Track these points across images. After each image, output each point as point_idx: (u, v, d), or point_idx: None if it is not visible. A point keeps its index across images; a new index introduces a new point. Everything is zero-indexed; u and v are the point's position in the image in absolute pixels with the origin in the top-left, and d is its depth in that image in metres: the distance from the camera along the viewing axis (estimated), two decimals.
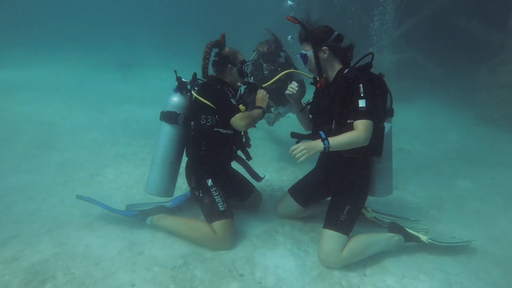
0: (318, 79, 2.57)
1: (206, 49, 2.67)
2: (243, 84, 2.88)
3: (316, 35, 2.43)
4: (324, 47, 2.42)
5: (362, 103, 2.25)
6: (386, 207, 3.44)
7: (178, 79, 2.78)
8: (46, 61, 12.19)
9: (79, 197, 2.91)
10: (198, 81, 2.78)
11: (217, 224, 2.56)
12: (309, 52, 2.48)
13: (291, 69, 4.17)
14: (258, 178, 2.93)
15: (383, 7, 7.96)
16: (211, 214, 2.62)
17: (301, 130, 2.86)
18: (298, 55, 2.59)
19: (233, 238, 2.67)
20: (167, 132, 2.77)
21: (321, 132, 2.31)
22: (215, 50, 2.77)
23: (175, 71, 2.82)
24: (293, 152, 2.25)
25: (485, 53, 7.21)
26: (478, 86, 7.09)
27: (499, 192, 4.12)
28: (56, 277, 2.23)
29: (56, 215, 2.98)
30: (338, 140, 2.25)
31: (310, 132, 2.70)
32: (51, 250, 2.49)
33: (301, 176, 4.10)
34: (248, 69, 2.85)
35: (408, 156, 5.28)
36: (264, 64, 4.12)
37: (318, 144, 2.25)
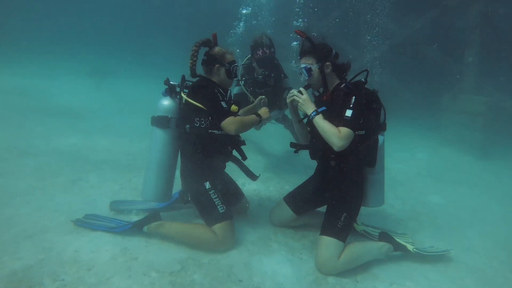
0: (320, 92, 2.70)
1: (194, 47, 2.65)
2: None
3: (321, 50, 2.57)
4: (327, 62, 2.56)
5: (348, 112, 2.40)
6: (368, 218, 3.59)
7: (167, 82, 2.75)
8: (8, 64, 11.53)
9: (74, 221, 2.80)
10: (187, 82, 2.76)
11: (218, 227, 2.56)
12: (314, 66, 2.59)
13: (281, 75, 4.28)
14: (253, 176, 2.96)
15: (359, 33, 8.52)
16: (211, 217, 2.61)
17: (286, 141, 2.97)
18: (301, 68, 2.64)
19: (234, 239, 2.69)
20: (160, 137, 2.74)
21: (324, 108, 2.51)
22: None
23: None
24: (295, 94, 2.56)
25: (447, 81, 7.86)
26: (441, 110, 7.67)
27: (464, 207, 4.44)
28: (43, 284, 2.11)
29: (36, 220, 2.82)
30: (322, 123, 2.44)
31: (308, 143, 2.81)
32: (35, 256, 2.35)
33: (286, 187, 4.23)
34: (237, 70, 2.82)
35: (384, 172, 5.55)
36: (259, 69, 4.11)
37: (309, 109, 2.51)
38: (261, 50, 3.98)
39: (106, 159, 4.38)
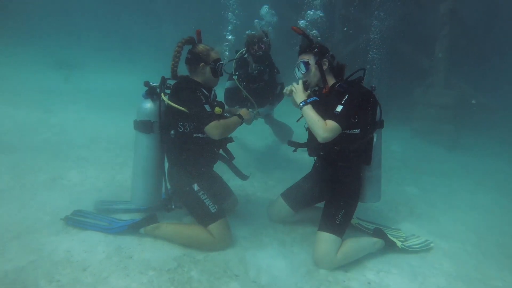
0: (321, 86, 2.71)
1: (177, 47, 2.57)
2: None
3: (319, 46, 2.62)
4: (324, 59, 2.62)
5: (338, 108, 2.46)
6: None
7: (147, 83, 2.65)
8: None
9: (64, 219, 2.71)
10: (168, 83, 2.68)
11: (213, 227, 2.57)
12: (312, 61, 2.63)
13: (274, 70, 4.27)
14: (243, 177, 2.98)
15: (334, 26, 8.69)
16: (205, 218, 2.61)
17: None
18: (300, 62, 2.67)
19: (231, 236, 2.70)
20: (144, 142, 2.67)
21: (314, 98, 2.58)
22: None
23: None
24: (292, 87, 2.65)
25: (419, 75, 8.19)
26: (413, 104, 8.00)
27: (438, 196, 4.71)
28: (39, 285, 2.07)
29: (20, 220, 2.72)
30: (311, 113, 2.50)
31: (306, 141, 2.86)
32: (25, 257, 2.29)
33: (270, 182, 4.29)
34: (222, 68, 2.78)
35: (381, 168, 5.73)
36: (254, 64, 4.06)
37: (299, 98, 2.58)
38: (257, 45, 3.92)
39: (86, 156, 4.24)
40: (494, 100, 8.04)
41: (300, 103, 2.55)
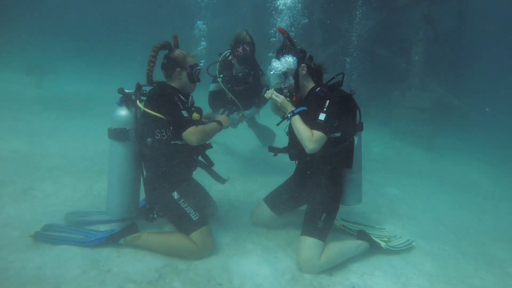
0: (294, 94, 2.70)
1: (152, 52, 2.52)
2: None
3: (297, 52, 2.59)
4: (303, 64, 2.60)
5: (321, 116, 2.47)
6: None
7: (121, 90, 2.58)
8: None
9: (33, 236, 2.52)
10: (144, 90, 2.61)
11: (196, 235, 2.50)
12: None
13: (259, 72, 4.23)
14: (222, 180, 2.93)
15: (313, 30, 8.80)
16: (187, 227, 2.54)
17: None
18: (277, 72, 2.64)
19: (213, 243, 2.64)
20: (119, 151, 2.59)
21: (302, 108, 2.58)
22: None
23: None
24: (273, 93, 2.63)
25: (397, 78, 8.40)
26: (392, 106, 8.18)
27: (418, 197, 4.80)
28: None
29: None
30: (298, 124, 2.52)
31: (287, 146, 2.86)
32: None
33: (253, 186, 4.25)
34: (199, 74, 2.74)
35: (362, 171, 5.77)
36: (238, 67, 3.99)
37: (287, 109, 2.59)
38: (241, 47, 3.87)
39: (60, 165, 4.05)
40: (467, 102, 8.34)
41: (289, 113, 2.57)
